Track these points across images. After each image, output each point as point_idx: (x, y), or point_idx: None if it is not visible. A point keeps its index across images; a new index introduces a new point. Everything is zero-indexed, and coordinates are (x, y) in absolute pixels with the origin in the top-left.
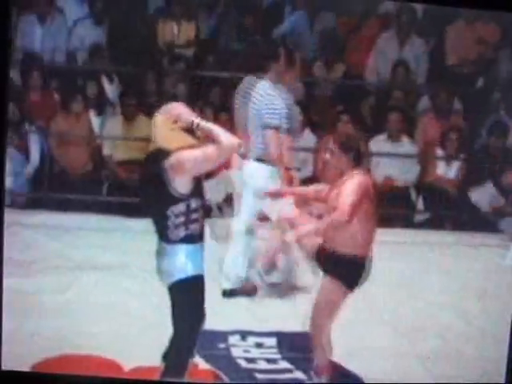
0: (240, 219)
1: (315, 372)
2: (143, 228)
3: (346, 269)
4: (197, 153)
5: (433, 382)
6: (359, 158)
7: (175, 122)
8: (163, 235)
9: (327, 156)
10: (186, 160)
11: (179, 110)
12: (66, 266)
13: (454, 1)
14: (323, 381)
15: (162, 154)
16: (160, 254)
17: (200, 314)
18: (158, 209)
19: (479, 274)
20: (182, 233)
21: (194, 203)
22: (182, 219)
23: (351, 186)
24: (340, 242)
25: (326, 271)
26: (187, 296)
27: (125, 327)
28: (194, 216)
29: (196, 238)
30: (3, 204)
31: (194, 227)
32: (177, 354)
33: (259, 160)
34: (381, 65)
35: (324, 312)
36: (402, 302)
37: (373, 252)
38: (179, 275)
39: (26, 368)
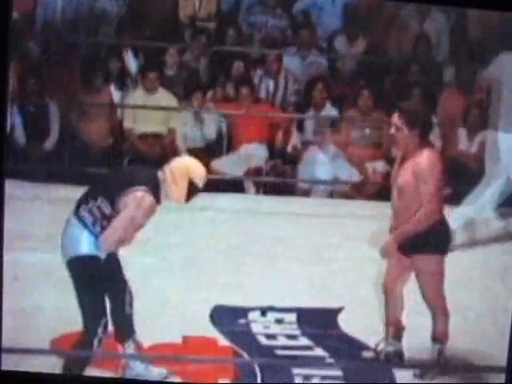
0: None
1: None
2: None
3: (432, 239)
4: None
5: (453, 361)
6: (426, 134)
7: None
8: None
9: (393, 132)
10: None
11: None
12: None
13: (455, 1)
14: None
15: None
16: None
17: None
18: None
19: (501, 251)
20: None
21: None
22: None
23: (428, 173)
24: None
25: (415, 252)
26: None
27: (143, 304)
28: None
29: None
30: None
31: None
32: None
33: None
34: (402, 40)
35: (435, 288)
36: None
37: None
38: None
39: (45, 344)
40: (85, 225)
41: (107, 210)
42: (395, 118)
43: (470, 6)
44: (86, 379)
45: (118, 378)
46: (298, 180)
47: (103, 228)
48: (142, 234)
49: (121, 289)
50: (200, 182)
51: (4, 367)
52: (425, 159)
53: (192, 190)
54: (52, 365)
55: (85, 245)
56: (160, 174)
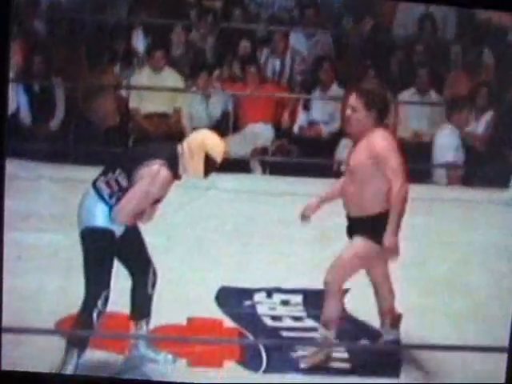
0: None
1: (324, 325)
2: None
3: (375, 227)
4: None
5: (460, 342)
6: (384, 115)
7: None
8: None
9: (349, 112)
10: None
11: None
12: None
13: (455, 1)
14: (332, 334)
15: None
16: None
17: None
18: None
19: (510, 232)
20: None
21: None
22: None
23: (386, 152)
24: (364, 204)
25: (356, 234)
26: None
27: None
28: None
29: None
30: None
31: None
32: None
33: None
34: (408, 19)
35: (352, 267)
36: (431, 259)
37: None
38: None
39: (50, 325)
40: (101, 196)
41: (124, 182)
42: (352, 99)
43: (471, 6)
44: (85, 379)
45: (118, 378)
46: (303, 160)
47: (119, 200)
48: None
49: (144, 268)
50: (217, 156)
51: (5, 348)
52: (380, 139)
53: (209, 165)
54: (54, 345)
55: (99, 216)
56: (179, 147)
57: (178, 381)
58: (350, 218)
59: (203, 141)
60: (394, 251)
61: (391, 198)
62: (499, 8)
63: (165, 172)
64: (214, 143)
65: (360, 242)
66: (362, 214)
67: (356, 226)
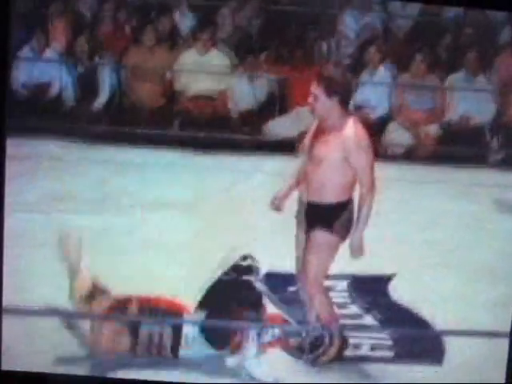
0: None
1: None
2: (215, 165)
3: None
4: None
5: (500, 329)
6: (346, 102)
7: None
8: None
9: (311, 100)
10: None
11: None
12: (135, 203)
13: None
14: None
15: None
16: None
17: None
18: None
19: None
20: None
21: None
22: None
23: (359, 146)
24: (325, 192)
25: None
26: None
27: (194, 268)
28: None
29: None
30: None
31: None
32: None
33: None
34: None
35: (319, 265)
36: (471, 246)
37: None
38: None
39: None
40: None
41: None
42: (313, 87)
43: (471, 6)
44: (86, 379)
45: (118, 379)
46: None
47: None
48: (189, 195)
49: None
50: None
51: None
52: (351, 132)
53: None
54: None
55: None
56: None
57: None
58: (308, 203)
59: None
60: (360, 250)
61: (361, 198)
62: (499, 8)
63: None
64: None
65: (318, 235)
66: (320, 200)
67: (313, 213)
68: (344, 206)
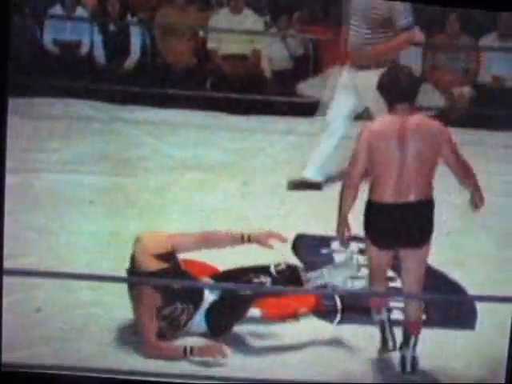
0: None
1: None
2: (249, 126)
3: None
4: None
5: None
6: None
7: None
8: None
9: None
10: None
11: None
12: (167, 164)
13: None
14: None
15: None
16: None
17: None
18: None
19: None
20: None
21: None
22: None
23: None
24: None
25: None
26: None
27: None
28: None
29: None
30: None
31: None
32: None
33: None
34: None
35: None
36: (508, 209)
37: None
38: None
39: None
40: None
41: None
42: None
43: (471, 6)
44: (86, 379)
45: (118, 379)
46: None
47: None
48: (222, 157)
49: None
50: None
51: (80, 292)
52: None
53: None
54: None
55: None
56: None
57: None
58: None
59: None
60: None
61: None
62: (499, 8)
63: None
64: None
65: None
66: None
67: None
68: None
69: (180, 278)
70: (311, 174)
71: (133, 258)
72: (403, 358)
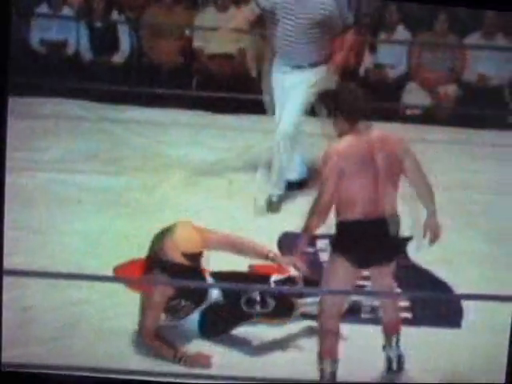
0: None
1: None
2: (236, 125)
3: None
4: None
5: None
6: None
7: None
8: None
9: None
10: None
11: None
12: (155, 163)
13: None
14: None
15: None
16: None
17: None
18: None
19: None
20: None
21: None
22: None
23: None
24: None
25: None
26: None
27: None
28: None
29: None
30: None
31: None
32: None
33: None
34: None
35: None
36: (495, 207)
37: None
38: None
39: (108, 270)
40: None
41: None
42: None
43: (471, 6)
44: (85, 379)
45: (118, 379)
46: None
47: None
48: (209, 156)
49: None
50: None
51: (69, 290)
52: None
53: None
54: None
55: None
56: None
57: None
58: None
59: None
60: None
61: None
62: (499, 8)
63: None
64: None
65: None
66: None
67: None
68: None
69: (194, 276)
70: (273, 190)
71: (159, 245)
72: (389, 358)
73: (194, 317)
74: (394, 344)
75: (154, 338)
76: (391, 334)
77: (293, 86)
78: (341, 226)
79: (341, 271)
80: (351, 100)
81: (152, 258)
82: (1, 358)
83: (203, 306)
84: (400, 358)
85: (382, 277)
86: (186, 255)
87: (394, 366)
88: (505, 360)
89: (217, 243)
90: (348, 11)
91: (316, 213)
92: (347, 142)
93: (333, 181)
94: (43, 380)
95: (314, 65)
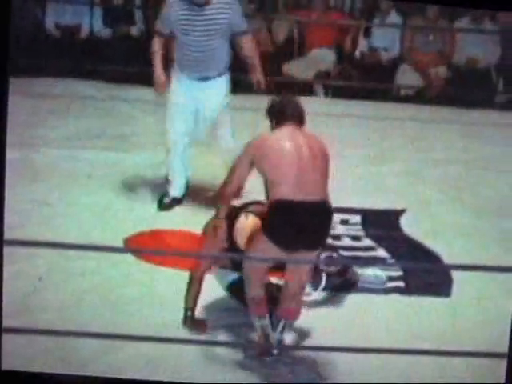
0: None
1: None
2: (238, 104)
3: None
4: None
5: (510, 263)
6: None
7: None
8: None
9: None
10: None
11: None
12: (161, 141)
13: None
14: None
15: None
16: None
17: None
18: None
19: None
20: None
21: None
22: None
23: None
24: None
25: None
26: None
27: None
28: None
29: None
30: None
31: None
32: None
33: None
34: None
35: None
36: (481, 182)
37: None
38: None
39: (118, 242)
40: None
41: None
42: None
43: (470, 6)
44: (85, 379)
45: (119, 379)
46: (364, 84)
47: None
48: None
49: None
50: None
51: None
52: None
53: None
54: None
55: None
56: None
57: None
58: None
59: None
60: None
61: None
62: (499, 8)
63: None
64: None
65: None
66: None
67: None
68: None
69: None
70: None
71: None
72: (271, 339)
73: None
74: (279, 329)
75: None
76: (281, 318)
77: (200, 97)
78: (269, 206)
79: (263, 248)
80: (293, 109)
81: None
82: (1, 359)
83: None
84: (279, 343)
85: (298, 272)
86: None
87: (275, 350)
88: (490, 326)
89: None
90: (242, 18)
91: (221, 198)
92: (269, 133)
93: (243, 168)
94: (43, 380)
95: (218, 75)
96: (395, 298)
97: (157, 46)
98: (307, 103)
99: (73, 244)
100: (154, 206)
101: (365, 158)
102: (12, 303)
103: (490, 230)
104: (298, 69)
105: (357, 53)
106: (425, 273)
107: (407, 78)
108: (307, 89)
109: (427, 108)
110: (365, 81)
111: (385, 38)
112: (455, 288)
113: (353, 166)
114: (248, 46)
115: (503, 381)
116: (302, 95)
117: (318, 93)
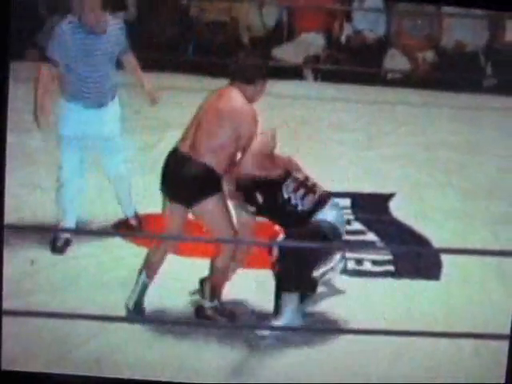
0: None
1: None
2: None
3: None
4: None
5: (497, 246)
6: None
7: None
8: None
9: None
10: None
11: None
12: (153, 124)
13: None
14: None
15: None
16: None
17: None
18: None
19: None
20: None
21: None
22: None
23: None
24: None
25: None
26: None
27: None
28: None
29: None
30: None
31: None
32: None
33: None
34: None
35: None
36: (470, 166)
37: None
38: None
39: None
40: None
41: None
42: None
43: (470, 6)
44: (85, 379)
45: (119, 379)
46: (353, 67)
47: None
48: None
49: None
50: None
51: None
52: None
53: None
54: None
55: None
56: None
57: None
58: None
59: None
60: None
61: None
62: (499, 8)
63: None
64: None
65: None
66: None
67: None
68: None
69: None
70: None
71: None
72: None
73: None
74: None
75: None
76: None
77: (95, 125)
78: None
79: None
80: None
81: None
82: (1, 357)
83: None
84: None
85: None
86: None
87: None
88: (477, 309)
89: None
90: (126, 39)
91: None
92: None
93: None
94: (43, 380)
95: (112, 98)
96: (385, 281)
97: (46, 76)
98: (296, 87)
99: (66, 228)
100: (147, 188)
101: (354, 142)
102: (6, 286)
103: (479, 214)
104: (287, 53)
105: (342, 37)
106: (414, 256)
107: (395, 61)
108: (297, 73)
109: (416, 92)
110: (354, 65)
111: (367, 20)
112: (444, 271)
113: (342, 150)
114: (132, 65)
115: (494, 360)
116: (291, 79)
117: (307, 77)
